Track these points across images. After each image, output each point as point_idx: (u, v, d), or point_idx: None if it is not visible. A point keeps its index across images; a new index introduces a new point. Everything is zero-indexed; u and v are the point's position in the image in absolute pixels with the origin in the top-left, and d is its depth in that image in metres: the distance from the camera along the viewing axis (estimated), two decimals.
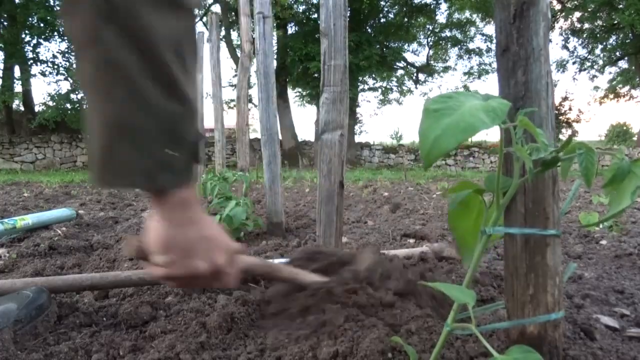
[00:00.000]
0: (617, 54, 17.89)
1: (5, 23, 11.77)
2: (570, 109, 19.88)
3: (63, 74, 11.96)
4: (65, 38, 11.75)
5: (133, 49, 0.55)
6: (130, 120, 0.57)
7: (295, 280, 0.94)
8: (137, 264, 1.52)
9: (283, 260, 1.24)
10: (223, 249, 0.71)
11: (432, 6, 17.60)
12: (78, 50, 0.59)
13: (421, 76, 19.89)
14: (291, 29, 15.96)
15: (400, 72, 19.52)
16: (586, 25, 17.62)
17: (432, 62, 19.82)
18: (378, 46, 15.58)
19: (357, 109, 17.48)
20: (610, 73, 19.78)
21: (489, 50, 18.77)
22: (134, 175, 0.59)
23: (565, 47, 18.95)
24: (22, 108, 13.33)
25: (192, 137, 0.63)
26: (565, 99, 19.85)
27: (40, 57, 12.05)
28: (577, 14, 17.42)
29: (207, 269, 0.68)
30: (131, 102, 0.56)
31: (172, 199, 0.63)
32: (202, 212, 0.69)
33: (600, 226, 2.27)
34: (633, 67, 18.16)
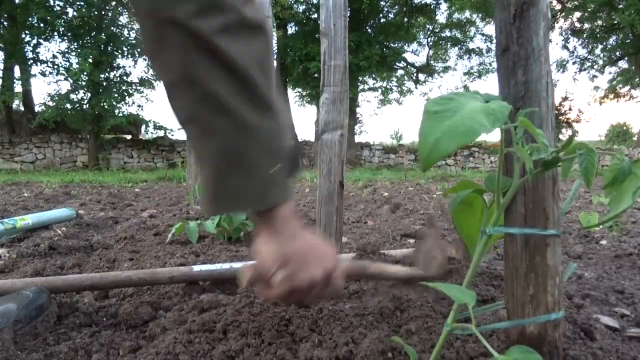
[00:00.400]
0: (617, 54, 17.90)
1: (5, 23, 11.77)
2: (570, 109, 19.88)
3: (63, 74, 11.94)
4: (66, 38, 11.76)
5: (225, 77, 0.58)
6: (235, 148, 0.59)
7: (383, 274, 0.92)
8: (137, 264, 1.52)
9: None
10: (330, 255, 0.71)
11: (432, 6, 17.60)
12: (172, 88, 0.61)
13: (421, 76, 19.90)
14: (291, 29, 15.96)
15: (400, 72, 19.53)
16: (586, 25, 17.63)
17: (432, 62, 19.82)
18: (378, 46, 15.57)
19: (357, 109, 17.48)
20: (610, 73, 19.80)
21: (489, 50, 18.77)
22: (247, 198, 0.61)
23: (565, 47, 18.96)
24: (22, 108, 13.33)
25: (288, 146, 0.65)
26: (565, 99, 19.85)
27: (40, 57, 12.03)
28: (577, 14, 17.43)
29: (322, 276, 0.67)
30: (234, 130, 0.59)
31: (281, 214, 0.65)
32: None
33: (600, 226, 2.27)
34: (633, 67, 18.16)
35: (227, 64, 0.57)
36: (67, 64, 12.02)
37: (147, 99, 12.96)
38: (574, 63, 19.12)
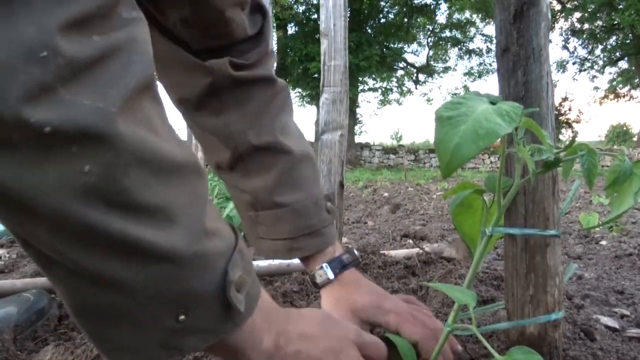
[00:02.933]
0: (617, 54, 17.91)
1: None
2: (570, 110, 19.91)
3: None
4: None
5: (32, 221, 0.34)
6: (95, 304, 0.38)
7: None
8: None
9: (284, 260, 1.25)
10: (348, 334, 0.54)
11: (432, 6, 17.63)
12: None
13: (421, 76, 19.93)
14: (291, 29, 15.98)
15: (400, 72, 19.55)
16: (586, 26, 17.64)
17: (432, 62, 19.84)
18: (378, 46, 15.59)
19: (357, 110, 17.49)
20: (610, 73, 19.84)
21: (489, 50, 18.80)
22: (147, 352, 0.41)
23: (565, 47, 18.98)
24: None
25: (210, 286, 0.42)
26: (565, 99, 19.88)
27: None
28: (577, 15, 17.45)
29: None
30: (79, 284, 0.37)
31: (222, 350, 0.46)
32: (284, 319, 0.51)
33: (601, 227, 2.27)
34: (633, 68, 18.18)
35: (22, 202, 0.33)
36: None
37: None
38: (574, 63, 19.16)
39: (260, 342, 0.48)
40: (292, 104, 0.77)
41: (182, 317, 0.40)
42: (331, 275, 0.69)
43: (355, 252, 0.75)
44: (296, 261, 1.24)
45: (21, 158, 0.31)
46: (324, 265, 0.70)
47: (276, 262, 1.24)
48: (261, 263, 1.23)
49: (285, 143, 0.70)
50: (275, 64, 0.77)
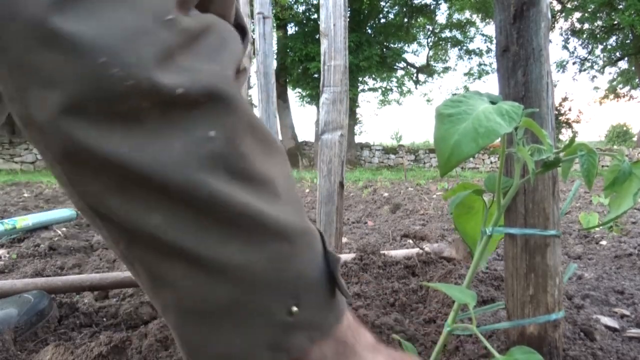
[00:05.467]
0: (617, 54, 17.91)
1: None
2: (570, 110, 19.92)
3: None
4: None
5: (147, 197, 0.32)
6: (204, 304, 0.34)
7: None
8: None
9: None
10: None
11: (432, 6, 17.62)
12: (85, 216, 0.37)
13: (421, 77, 19.92)
14: (291, 30, 15.97)
15: (400, 72, 19.55)
16: (586, 26, 17.64)
17: (432, 62, 19.84)
18: (378, 46, 15.59)
19: (357, 110, 17.48)
20: (610, 73, 19.85)
21: (489, 50, 18.79)
22: (253, 355, 0.36)
23: (565, 47, 18.97)
24: None
25: (316, 270, 0.39)
26: (565, 99, 19.88)
27: None
28: (577, 15, 17.44)
29: None
30: (195, 278, 0.34)
31: (322, 352, 0.40)
32: (369, 345, 0.44)
33: (600, 227, 2.27)
34: (633, 68, 18.18)
35: (139, 176, 0.31)
36: None
37: None
38: (574, 63, 19.15)
39: (361, 335, 0.44)
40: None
41: (294, 308, 0.37)
42: None
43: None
44: None
45: (144, 131, 0.30)
46: None
47: None
48: None
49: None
50: (246, 81, 0.81)
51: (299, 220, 0.38)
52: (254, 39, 2.48)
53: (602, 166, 10.36)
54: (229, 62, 0.35)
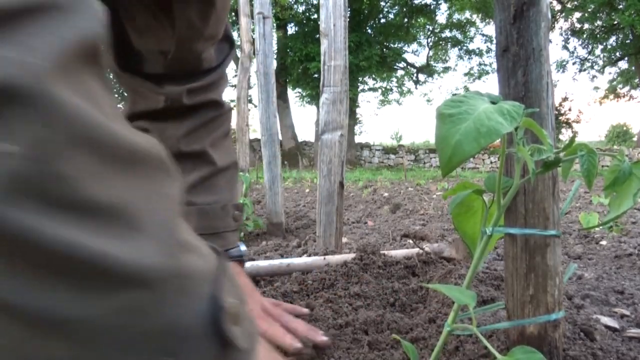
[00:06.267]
0: (617, 54, 17.92)
1: None
2: (570, 110, 19.92)
3: None
4: None
5: None
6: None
7: None
8: None
9: (284, 261, 1.25)
10: None
11: (432, 6, 17.63)
12: None
13: (421, 77, 19.94)
14: (291, 30, 15.98)
15: (400, 72, 19.57)
16: (586, 26, 17.65)
17: (432, 62, 19.84)
18: (378, 46, 15.60)
19: (357, 110, 17.49)
20: (610, 73, 19.87)
21: (489, 50, 18.80)
22: None
23: (565, 47, 18.98)
24: None
25: (198, 318, 0.32)
26: (565, 99, 19.88)
27: None
28: (577, 15, 17.45)
29: None
30: (19, 334, 0.25)
31: None
32: None
33: (600, 227, 2.27)
34: (633, 68, 18.19)
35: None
36: None
37: None
38: (574, 63, 19.16)
39: None
40: (229, 122, 0.85)
41: None
42: None
43: (243, 249, 0.82)
44: (296, 261, 1.24)
45: None
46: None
47: (276, 262, 1.24)
48: (261, 263, 1.23)
49: (212, 154, 0.77)
50: (226, 86, 0.85)
51: (166, 259, 0.29)
52: (254, 39, 2.48)
53: (602, 166, 10.36)
54: (57, 50, 0.25)
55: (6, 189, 0.23)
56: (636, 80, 18.36)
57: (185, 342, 0.31)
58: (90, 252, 0.25)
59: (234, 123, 3.70)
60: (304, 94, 17.58)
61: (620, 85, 19.90)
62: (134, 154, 0.29)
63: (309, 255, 1.43)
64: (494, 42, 0.72)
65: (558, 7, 16.98)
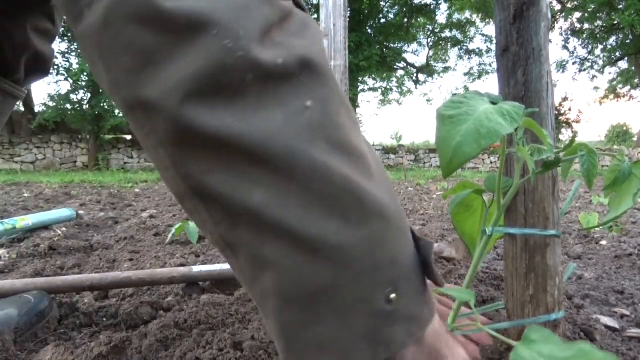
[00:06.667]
0: (617, 54, 17.91)
1: None
2: (570, 110, 19.90)
3: (63, 75, 11.95)
4: (66, 38, 11.77)
5: (252, 175, 0.31)
6: (306, 284, 0.33)
7: None
8: (137, 265, 1.51)
9: None
10: None
11: (432, 6, 17.61)
12: (182, 202, 0.36)
13: (421, 77, 19.92)
14: None
15: (400, 72, 19.56)
16: (586, 26, 17.64)
17: (432, 62, 19.83)
18: (378, 46, 15.59)
19: (357, 110, 17.47)
20: (610, 73, 19.89)
21: (488, 50, 18.79)
22: (350, 349, 0.34)
23: (565, 47, 18.97)
24: (22, 108, 13.35)
25: (410, 256, 0.38)
26: (565, 99, 19.86)
27: None
28: (577, 15, 17.44)
29: None
30: (295, 256, 0.32)
31: (416, 351, 0.39)
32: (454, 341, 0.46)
33: (600, 227, 2.27)
34: (633, 68, 18.18)
35: (250, 151, 0.31)
36: (67, 64, 12.03)
37: None
38: (574, 63, 19.15)
39: (447, 339, 0.42)
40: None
41: (393, 295, 0.35)
42: None
43: None
44: None
45: (247, 105, 0.31)
46: None
47: None
48: None
49: None
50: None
51: (392, 200, 0.37)
52: None
53: (602, 166, 10.37)
54: (316, 38, 0.36)
55: (307, 132, 0.32)
56: (636, 80, 18.35)
57: (405, 277, 0.37)
58: (355, 185, 0.33)
59: None
60: None
61: (620, 85, 19.89)
62: (357, 120, 0.40)
63: None
64: (494, 42, 0.72)
65: (558, 7, 16.97)
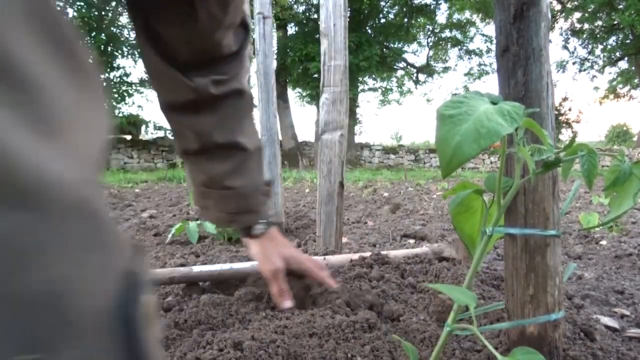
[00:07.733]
0: (617, 54, 17.91)
1: None
2: (570, 110, 19.89)
3: None
4: None
5: None
6: None
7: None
8: None
9: None
10: None
11: (432, 6, 17.60)
12: None
13: (421, 77, 19.91)
14: (291, 30, 15.96)
15: (400, 72, 19.55)
16: (586, 26, 17.64)
17: (432, 62, 19.82)
18: (378, 46, 15.59)
19: (357, 110, 17.47)
20: (610, 73, 19.86)
21: (488, 50, 18.78)
22: None
23: (565, 47, 18.97)
24: None
25: None
26: (565, 99, 19.88)
27: None
28: (577, 15, 17.44)
29: None
30: None
31: None
32: None
33: (600, 227, 2.27)
34: (633, 68, 18.18)
35: None
36: None
37: (147, 99, 13.04)
38: (574, 63, 19.14)
39: None
40: (253, 107, 0.94)
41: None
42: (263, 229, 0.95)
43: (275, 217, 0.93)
44: None
45: None
46: (261, 223, 0.94)
47: None
48: None
49: (242, 142, 0.87)
50: (248, 76, 0.91)
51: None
52: (254, 39, 2.48)
53: (602, 166, 10.35)
54: None
55: None
56: (636, 80, 18.35)
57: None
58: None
59: None
60: (304, 94, 17.55)
61: (620, 85, 19.89)
62: None
63: (309, 255, 1.43)
64: (494, 42, 0.72)
65: (558, 7, 16.97)
